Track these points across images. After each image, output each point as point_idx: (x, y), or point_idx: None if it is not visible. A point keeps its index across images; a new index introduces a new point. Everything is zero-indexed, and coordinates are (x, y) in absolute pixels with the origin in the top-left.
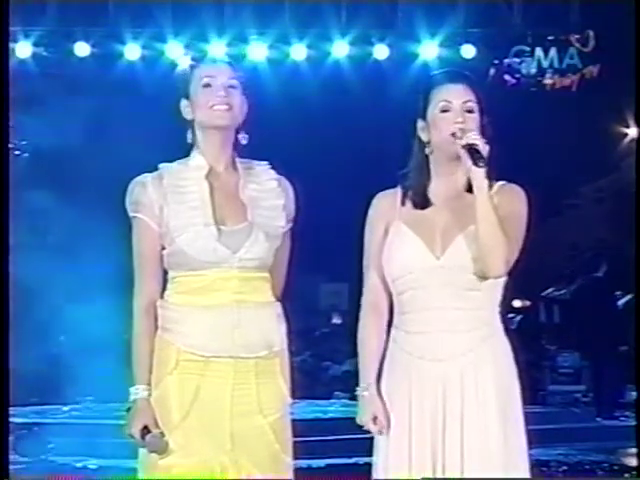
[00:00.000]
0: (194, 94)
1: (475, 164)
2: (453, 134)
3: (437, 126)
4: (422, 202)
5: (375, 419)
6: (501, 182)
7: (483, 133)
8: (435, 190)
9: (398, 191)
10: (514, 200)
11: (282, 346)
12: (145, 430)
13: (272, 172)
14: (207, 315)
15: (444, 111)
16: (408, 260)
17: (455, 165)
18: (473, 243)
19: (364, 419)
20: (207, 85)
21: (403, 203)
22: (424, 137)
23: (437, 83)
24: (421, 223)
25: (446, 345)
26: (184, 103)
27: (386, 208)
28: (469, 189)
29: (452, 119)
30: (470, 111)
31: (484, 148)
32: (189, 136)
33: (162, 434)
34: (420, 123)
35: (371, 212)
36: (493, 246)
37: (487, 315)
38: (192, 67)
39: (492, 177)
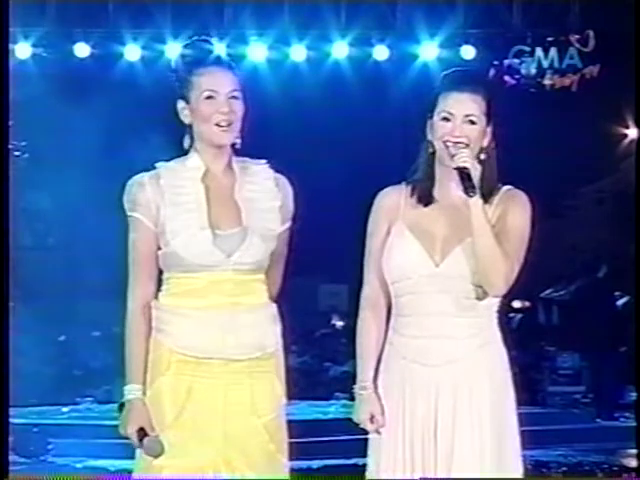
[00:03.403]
0: (195, 103)
1: (466, 193)
2: (446, 144)
3: (436, 132)
4: (427, 199)
5: (372, 418)
6: (506, 187)
7: (488, 141)
8: (439, 191)
9: (403, 189)
10: (516, 212)
11: (276, 347)
12: (142, 432)
13: (270, 171)
14: (200, 317)
15: (444, 119)
16: (407, 265)
17: (452, 171)
18: (472, 256)
19: (361, 417)
20: (210, 97)
21: (407, 201)
22: (430, 136)
23: (447, 88)
24: (422, 228)
25: (441, 351)
26: (182, 105)
27: (390, 206)
28: None
29: (450, 129)
30: (472, 122)
31: (475, 170)
32: (186, 142)
33: (158, 437)
34: (429, 121)
35: (375, 209)
36: (492, 268)
37: (485, 322)
38: (190, 71)
39: (497, 182)
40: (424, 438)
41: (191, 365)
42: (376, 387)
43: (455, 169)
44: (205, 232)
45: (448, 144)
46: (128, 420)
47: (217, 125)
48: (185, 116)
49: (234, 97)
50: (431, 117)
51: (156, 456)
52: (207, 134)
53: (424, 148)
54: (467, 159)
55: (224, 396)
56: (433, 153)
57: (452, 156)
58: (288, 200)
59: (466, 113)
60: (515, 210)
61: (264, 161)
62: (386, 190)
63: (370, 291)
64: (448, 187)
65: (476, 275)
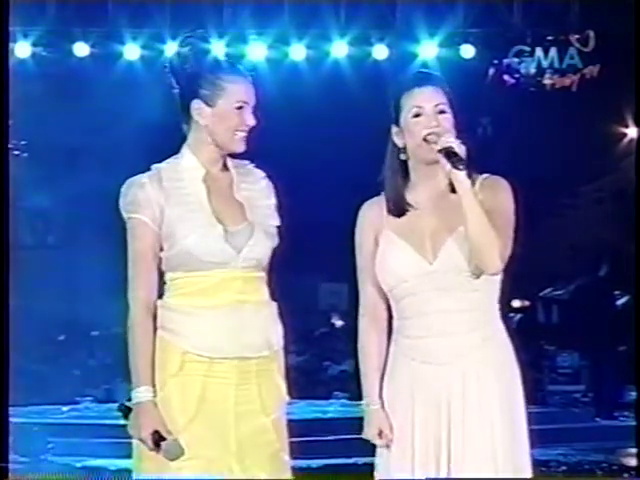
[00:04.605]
0: (222, 109)
1: (455, 167)
2: (425, 139)
3: (411, 131)
4: (398, 209)
5: (381, 433)
6: (484, 175)
7: (459, 131)
8: (417, 194)
9: (383, 199)
10: (498, 193)
11: (280, 345)
12: (156, 434)
13: (260, 171)
14: (212, 316)
15: (417, 115)
16: (401, 269)
17: (434, 168)
18: (464, 244)
19: (370, 433)
20: (240, 108)
21: (389, 211)
22: (399, 143)
23: (407, 88)
24: (409, 229)
25: (447, 348)
26: (200, 105)
27: (373, 217)
28: (453, 190)
29: (425, 123)
30: (443, 112)
31: (460, 149)
32: (190, 135)
33: (176, 440)
34: (394, 129)
35: (359, 223)
36: (486, 244)
37: (486, 315)
38: (217, 75)
39: (474, 171)
40: (435, 438)
41: (204, 365)
42: (383, 401)
43: (439, 151)
44: (217, 228)
45: (429, 137)
46: (141, 423)
47: (238, 135)
48: (202, 117)
49: (254, 110)
50: (397, 124)
51: (175, 458)
52: (226, 140)
53: (393, 157)
54: (450, 138)
55: (235, 396)
56: (405, 161)
57: (434, 144)
58: (275, 199)
59: (435, 103)
60: (497, 193)
61: (248, 162)
62: (367, 203)
63: (369, 306)
64: (429, 187)
65: (472, 261)
